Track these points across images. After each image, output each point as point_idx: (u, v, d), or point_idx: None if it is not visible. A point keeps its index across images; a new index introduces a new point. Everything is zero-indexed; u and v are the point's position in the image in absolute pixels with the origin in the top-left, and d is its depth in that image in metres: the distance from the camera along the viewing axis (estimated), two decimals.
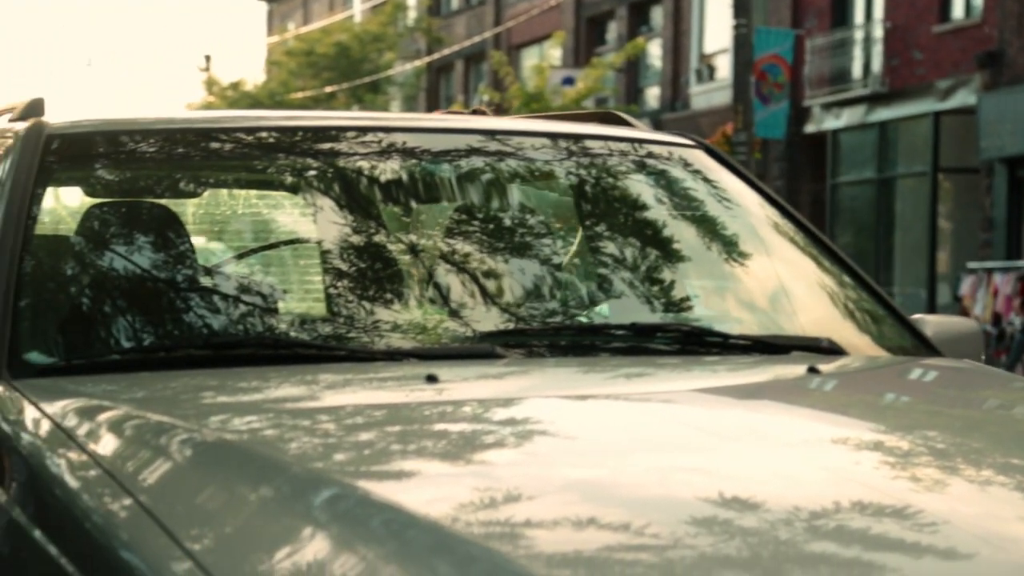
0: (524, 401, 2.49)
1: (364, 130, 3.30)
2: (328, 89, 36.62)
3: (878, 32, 24.87)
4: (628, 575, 1.58)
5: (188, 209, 3.35)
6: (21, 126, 3.06)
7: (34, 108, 3.15)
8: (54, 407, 2.30)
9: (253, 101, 37.62)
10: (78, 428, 2.19)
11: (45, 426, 2.23)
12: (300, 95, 36.60)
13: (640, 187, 3.36)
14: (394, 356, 2.67)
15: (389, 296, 2.95)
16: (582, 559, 1.61)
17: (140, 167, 3.23)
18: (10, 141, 3.03)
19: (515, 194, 3.32)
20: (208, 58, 48.37)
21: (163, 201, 3.24)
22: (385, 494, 1.81)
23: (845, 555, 1.66)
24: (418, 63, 38.88)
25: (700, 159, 3.43)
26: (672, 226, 3.33)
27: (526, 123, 3.79)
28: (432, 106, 38.84)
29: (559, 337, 2.90)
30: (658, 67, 31.40)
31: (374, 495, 1.80)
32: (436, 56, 38.43)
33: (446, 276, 3.01)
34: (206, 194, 3.42)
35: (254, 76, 42.47)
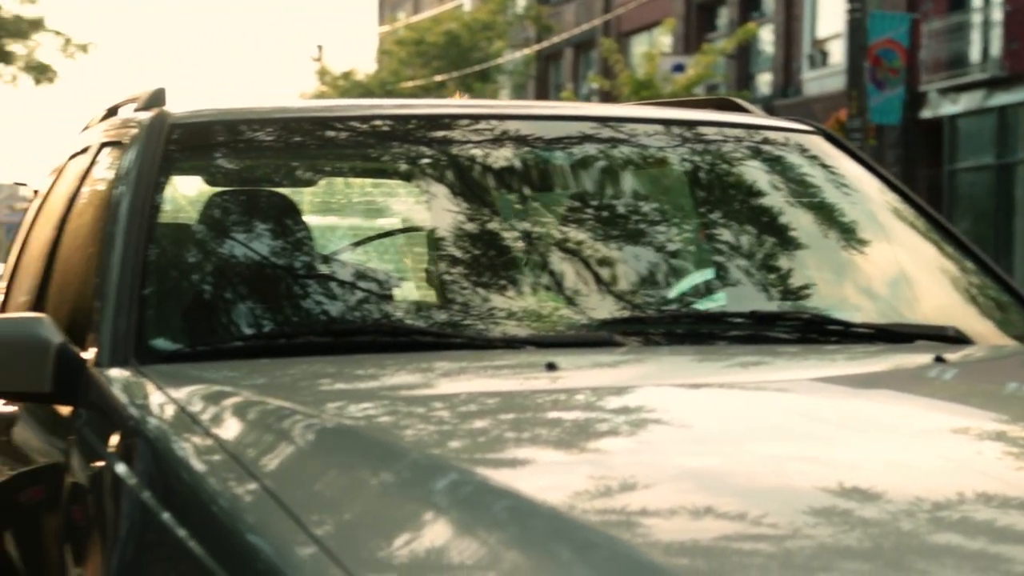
0: (642, 389, 2.48)
1: (477, 117, 3.32)
2: (438, 78, 36.77)
3: (997, 15, 24.36)
4: (746, 565, 1.56)
5: (304, 197, 3.39)
6: (144, 116, 3.13)
7: (156, 98, 3.21)
8: (180, 392, 2.35)
9: (364, 90, 37.93)
10: (203, 413, 2.24)
11: (172, 411, 2.27)
12: (410, 84, 36.80)
13: (757, 173, 3.34)
14: (512, 344, 2.68)
15: (503, 283, 2.96)
16: (700, 548, 1.60)
17: (259, 156, 3.28)
18: (134, 131, 3.09)
19: (629, 181, 3.31)
20: (320, 48, 48.89)
21: (280, 189, 3.28)
22: (505, 481, 1.82)
23: (970, 547, 1.63)
24: (527, 51, 38.87)
25: (818, 144, 3.39)
26: (790, 213, 3.29)
27: (640, 110, 3.78)
28: (541, 95, 38.83)
29: (676, 325, 2.89)
30: (769, 53, 31.05)
31: (494, 481, 1.81)
32: (545, 44, 38.39)
33: (560, 263, 3.01)
34: (322, 182, 3.45)
35: (365, 66, 42.81)
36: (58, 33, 26.82)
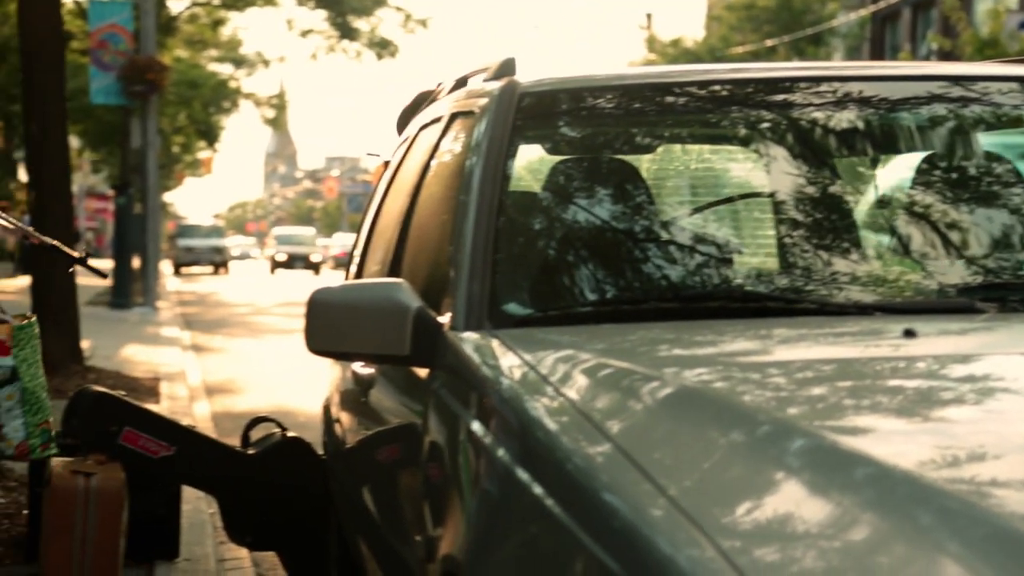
0: (994, 357, 2.40)
1: (818, 80, 3.26)
2: (768, 43, 36.20)
3: None
4: None
5: (643, 164, 3.41)
6: (495, 85, 3.21)
7: (507, 67, 3.29)
8: (531, 355, 2.41)
9: (693, 58, 37.71)
10: (553, 375, 2.29)
11: (524, 373, 2.34)
12: (740, 50, 36.37)
13: None
14: (863, 310, 2.64)
15: (847, 248, 2.91)
16: None
17: (600, 123, 3.32)
18: (485, 101, 3.18)
19: (982, 142, 3.19)
20: (649, 16, 48.83)
21: (621, 157, 3.31)
22: (855, 445, 1.79)
23: None
24: (862, 12, 37.80)
25: None
26: None
27: (991, 68, 3.63)
28: (876, 57, 37.70)
29: None
30: None
31: (844, 446, 1.79)
32: (882, 5, 37.23)
33: (908, 227, 2.93)
34: (660, 149, 3.47)
35: (694, 32, 42.53)
36: (399, 9, 27.76)
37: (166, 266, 44.82)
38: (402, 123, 4.52)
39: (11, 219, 4.50)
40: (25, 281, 26.63)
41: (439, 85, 4.26)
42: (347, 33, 27.76)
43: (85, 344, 11.80)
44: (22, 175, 37.91)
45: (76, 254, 4.58)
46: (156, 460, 4.70)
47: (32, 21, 11.14)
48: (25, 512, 5.31)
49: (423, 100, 4.36)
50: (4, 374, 4.22)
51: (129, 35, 21.35)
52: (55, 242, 4.51)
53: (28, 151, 11.78)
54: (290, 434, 4.98)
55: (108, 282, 4.56)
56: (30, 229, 4.51)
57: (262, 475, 4.83)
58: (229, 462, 4.84)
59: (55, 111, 11.27)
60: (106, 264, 35.70)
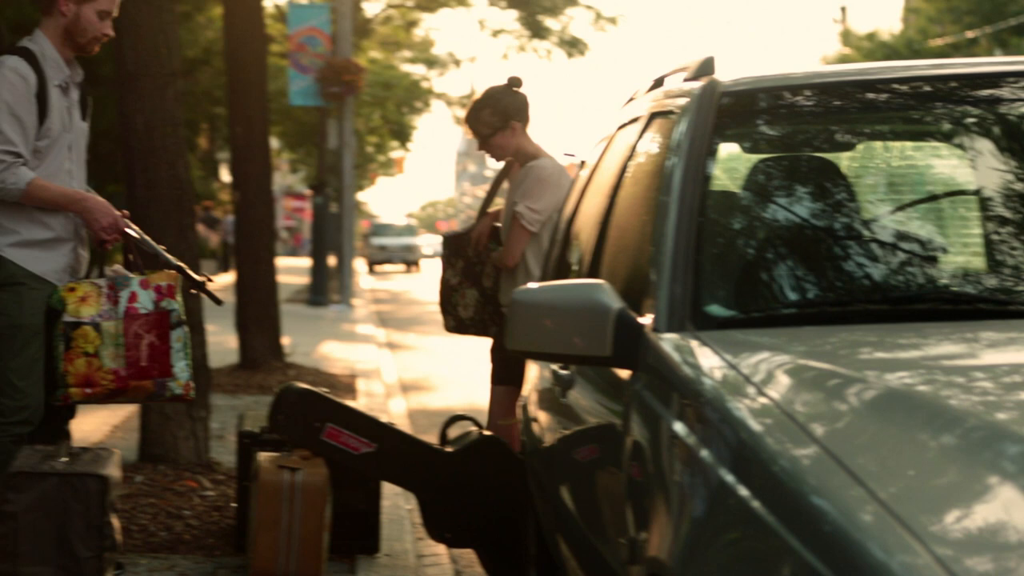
0: None
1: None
2: (969, 34, 35.23)
3: None
4: None
5: (843, 161, 3.37)
6: (695, 85, 3.20)
7: (706, 67, 3.28)
8: (734, 357, 2.39)
9: (890, 51, 36.92)
10: (755, 376, 2.28)
11: (728, 375, 2.33)
12: (939, 42, 35.48)
13: None
14: None
15: None
16: None
17: (800, 121, 3.28)
18: (685, 100, 3.17)
19: None
20: (844, 10, 48.00)
21: (821, 154, 3.27)
22: None
23: None
24: None
25: None
26: None
27: None
28: None
29: None
30: None
31: None
32: None
33: None
34: (860, 146, 3.41)
35: (890, 25, 41.65)
36: (589, 7, 27.76)
37: (360, 264, 45.69)
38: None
39: (139, 231, 4.61)
40: (227, 279, 27.49)
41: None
42: (537, 32, 27.87)
43: (285, 340, 12.11)
44: (224, 175, 39.06)
45: (198, 278, 4.70)
46: (358, 456, 4.80)
47: (236, 25, 11.48)
48: (233, 505, 5.47)
49: None
50: (177, 316, 4.43)
51: (327, 38, 21.81)
52: (180, 263, 4.63)
53: (232, 152, 12.14)
54: (487, 432, 5.04)
55: (222, 306, 4.73)
56: (161, 248, 4.64)
57: (460, 473, 4.90)
58: (428, 459, 4.92)
59: (258, 113, 11.60)
60: (303, 262, 36.45)
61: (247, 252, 11.64)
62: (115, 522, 4.24)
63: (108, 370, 4.36)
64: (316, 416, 4.77)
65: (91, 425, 8.21)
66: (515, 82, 5.54)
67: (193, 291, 4.73)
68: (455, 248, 5.81)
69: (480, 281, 5.70)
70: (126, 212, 4.64)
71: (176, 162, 6.43)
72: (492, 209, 5.88)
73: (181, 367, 4.43)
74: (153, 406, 6.34)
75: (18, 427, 4.39)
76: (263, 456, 4.80)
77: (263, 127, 11.69)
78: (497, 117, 5.44)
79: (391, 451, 4.85)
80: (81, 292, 4.39)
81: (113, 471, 4.24)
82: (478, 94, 5.61)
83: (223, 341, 12.03)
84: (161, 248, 4.68)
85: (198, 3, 22.78)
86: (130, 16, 6.23)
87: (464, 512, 4.91)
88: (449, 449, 4.98)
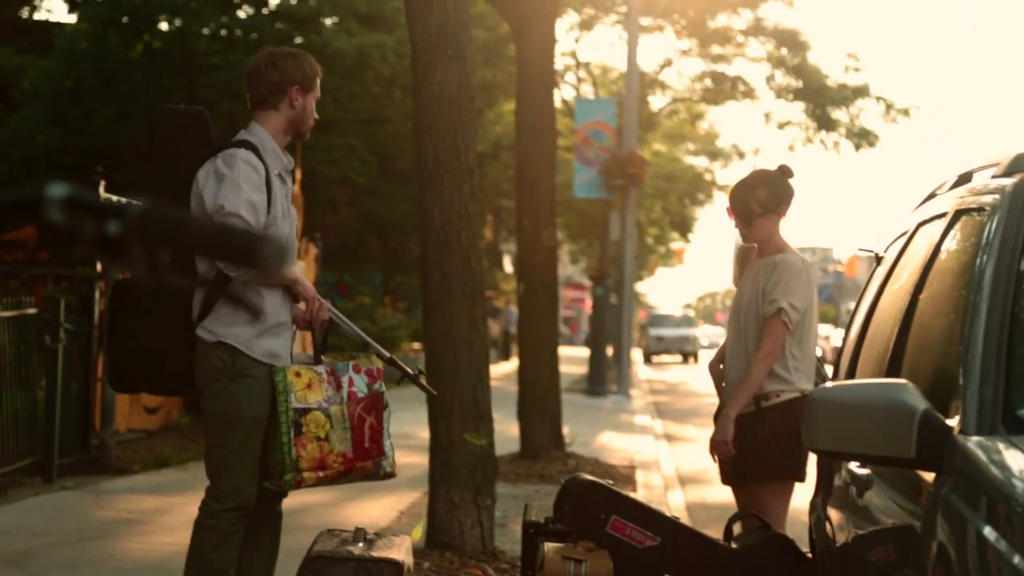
0: None
1: None
2: None
3: None
4: None
5: None
6: (1007, 182, 3.10)
7: (1019, 163, 3.18)
8: None
9: None
10: None
11: None
12: None
13: None
14: None
15: None
16: None
17: None
18: (996, 198, 3.08)
19: None
20: None
21: None
22: None
23: None
24: None
25: None
26: None
27: None
28: None
29: None
30: None
31: None
32: None
33: None
34: None
35: None
36: (879, 99, 27.25)
37: (637, 354, 45.68)
38: None
39: (340, 316, 4.73)
40: (507, 367, 27.84)
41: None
42: (825, 124, 27.51)
43: (565, 430, 12.19)
44: (507, 266, 39.81)
45: (410, 370, 4.79)
46: (642, 550, 4.78)
47: (527, 121, 11.75)
48: None
49: None
50: (386, 399, 4.62)
51: (612, 131, 22.10)
52: (391, 355, 4.74)
53: (519, 244, 12.38)
54: (776, 531, 4.95)
55: (435, 394, 4.88)
56: (369, 339, 4.77)
57: (747, 570, 4.82)
58: (713, 555, 4.85)
59: (545, 206, 11.81)
60: (579, 352, 36.54)
61: (529, 342, 11.80)
62: None
63: (338, 453, 4.52)
64: (601, 508, 4.78)
65: (379, 511, 8.42)
66: (787, 171, 5.48)
67: (406, 380, 4.87)
68: None
69: None
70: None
71: (470, 255, 6.59)
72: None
73: (389, 445, 4.63)
74: (440, 493, 6.48)
75: (234, 511, 4.50)
76: (549, 547, 4.83)
77: (550, 219, 11.88)
78: (771, 199, 5.37)
79: (675, 545, 4.81)
80: (306, 379, 4.55)
81: (406, 557, 4.33)
82: (747, 173, 5.57)
83: (504, 430, 12.18)
84: (365, 335, 4.82)
85: (489, 100, 23.39)
86: (432, 115, 6.48)
87: None
88: (735, 545, 4.90)
